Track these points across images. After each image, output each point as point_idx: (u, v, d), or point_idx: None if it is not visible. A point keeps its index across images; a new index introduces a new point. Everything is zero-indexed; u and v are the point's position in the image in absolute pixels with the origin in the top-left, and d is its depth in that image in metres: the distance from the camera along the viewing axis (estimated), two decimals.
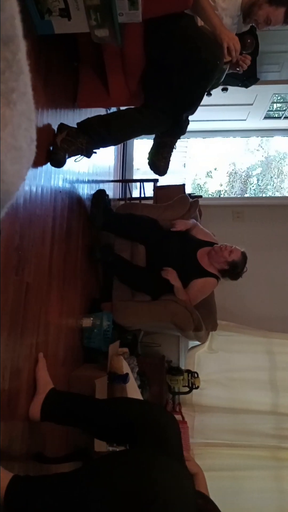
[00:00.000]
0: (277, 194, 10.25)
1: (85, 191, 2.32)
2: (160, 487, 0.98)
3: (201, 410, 3.05)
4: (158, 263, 2.43)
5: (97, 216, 2.32)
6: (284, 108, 4.41)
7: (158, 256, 2.46)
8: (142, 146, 4.79)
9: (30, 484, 1.08)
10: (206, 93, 1.80)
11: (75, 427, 1.49)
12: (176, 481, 1.03)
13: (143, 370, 2.55)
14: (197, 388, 2.91)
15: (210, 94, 2.45)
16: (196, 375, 2.94)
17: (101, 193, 2.43)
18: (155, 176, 2.21)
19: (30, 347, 1.42)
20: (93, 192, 2.48)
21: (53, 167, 1.65)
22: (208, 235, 2.64)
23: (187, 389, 2.91)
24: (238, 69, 1.86)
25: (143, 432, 1.23)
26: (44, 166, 1.59)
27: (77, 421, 1.41)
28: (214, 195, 10.15)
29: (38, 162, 1.52)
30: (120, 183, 3.93)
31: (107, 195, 2.52)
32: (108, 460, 1.16)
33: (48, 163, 1.62)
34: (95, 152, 1.83)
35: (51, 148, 1.63)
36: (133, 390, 1.99)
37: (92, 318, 2.13)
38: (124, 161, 4.35)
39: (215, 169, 10.58)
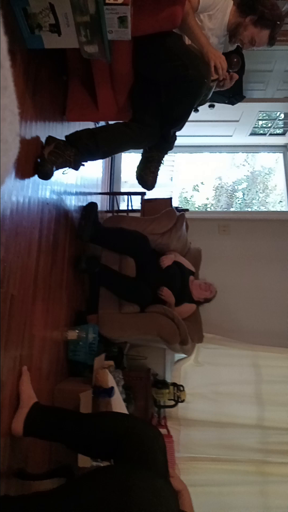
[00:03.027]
0: (262, 209, 10.41)
1: (73, 202, 2.33)
2: (141, 506, 0.96)
3: (186, 424, 3.03)
4: (150, 276, 2.48)
5: (86, 229, 2.33)
6: (269, 125, 4.52)
7: (150, 270, 2.51)
8: (130, 159, 4.83)
9: (9, 504, 1.05)
10: (193, 109, 1.84)
11: (59, 442, 1.46)
12: (158, 499, 1.01)
13: (129, 384, 2.53)
14: (182, 401, 2.90)
15: (197, 110, 2.50)
16: (182, 389, 2.93)
17: (92, 206, 2.45)
18: (143, 189, 2.23)
19: (14, 360, 1.39)
20: (80, 204, 2.49)
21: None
22: (189, 263, 2.83)
23: (172, 403, 2.90)
24: (221, 84, 1.90)
25: (128, 448, 1.22)
26: (31, 178, 1.59)
27: (61, 436, 1.39)
28: (201, 209, 10.27)
29: (25, 174, 1.52)
30: (108, 196, 3.95)
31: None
32: (89, 478, 1.14)
33: (36, 175, 1.62)
34: (83, 165, 1.84)
35: (39, 160, 1.63)
36: (118, 404, 1.97)
37: (77, 331, 2.11)
38: (112, 174, 4.38)
39: (202, 183, 10.72)
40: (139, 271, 2.54)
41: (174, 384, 2.95)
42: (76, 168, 1.78)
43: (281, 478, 2.92)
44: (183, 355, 3.09)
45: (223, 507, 2.79)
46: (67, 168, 1.76)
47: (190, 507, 1.31)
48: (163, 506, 1.01)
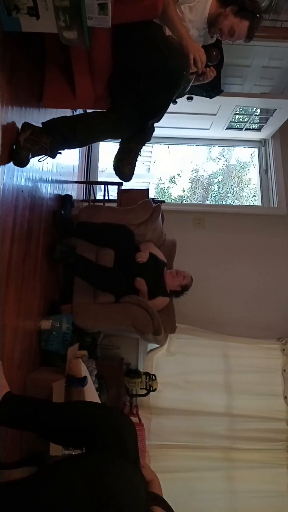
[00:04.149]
0: (236, 202, 10.58)
1: (48, 190, 2.29)
2: (113, 491, 0.98)
3: (157, 412, 3.08)
4: (127, 268, 2.51)
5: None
6: (245, 120, 4.57)
7: (128, 263, 2.55)
8: (107, 148, 4.78)
9: None
10: (171, 101, 1.84)
11: (31, 432, 1.46)
12: (129, 485, 1.04)
13: (102, 373, 2.55)
14: (154, 390, 2.95)
15: (176, 102, 2.50)
16: (154, 378, 2.97)
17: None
18: (120, 180, 2.22)
19: None
20: (56, 192, 2.46)
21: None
22: (162, 255, 2.83)
23: (144, 392, 2.94)
24: (201, 78, 1.91)
25: (100, 436, 1.24)
26: (6, 165, 1.55)
27: (33, 425, 1.39)
28: (177, 201, 10.32)
29: (0, 160, 1.49)
30: (84, 185, 3.90)
31: (70, 204, 2.62)
32: (63, 465, 1.16)
33: (11, 162, 1.58)
34: (60, 153, 1.81)
35: (14, 147, 1.60)
36: (91, 393, 1.99)
37: (51, 321, 2.10)
38: (89, 162, 4.33)
39: (179, 175, 10.76)
40: (117, 263, 2.55)
41: (147, 373, 2.99)
42: (52, 156, 1.76)
43: (246, 464, 3.04)
44: (156, 345, 3.13)
45: (191, 492, 2.88)
46: (43, 155, 1.73)
47: (160, 494, 1.35)
48: (133, 491, 1.03)
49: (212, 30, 1.90)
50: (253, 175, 9.99)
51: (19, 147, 1.60)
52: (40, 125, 1.73)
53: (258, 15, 1.84)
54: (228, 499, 2.94)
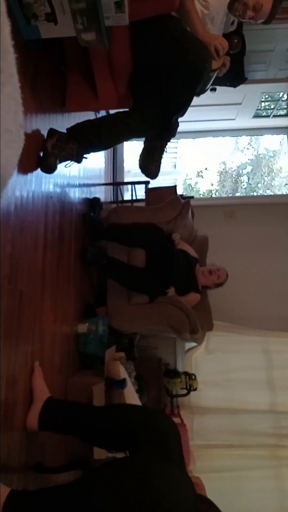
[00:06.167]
0: (268, 192, 10.30)
1: (76, 195, 2.31)
2: (161, 494, 0.97)
3: (199, 412, 3.04)
4: (161, 267, 2.49)
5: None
6: (272, 107, 4.44)
7: (160, 261, 2.51)
8: (132, 148, 4.78)
9: (28, 499, 1.06)
10: (194, 95, 1.80)
11: (74, 436, 1.47)
12: (177, 487, 1.02)
13: (141, 374, 2.54)
14: (195, 390, 2.91)
15: (199, 95, 2.45)
16: (193, 377, 2.94)
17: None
18: (147, 178, 2.20)
19: (26, 356, 1.40)
20: (84, 195, 2.47)
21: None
22: (193, 251, 2.79)
23: (185, 392, 2.91)
24: (217, 70, 1.86)
25: (143, 439, 1.22)
26: (34, 172, 1.57)
27: (76, 430, 1.40)
28: (206, 195, 10.19)
29: (28, 168, 1.51)
30: (112, 186, 3.91)
31: (99, 207, 2.62)
32: (108, 468, 1.15)
33: (39, 169, 1.60)
34: (86, 157, 1.81)
35: (42, 154, 1.61)
36: (131, 395, 1.98)
37: (87, 324, 2.11)
38: (115, 164, 4.34)
39: (206, 169, 10.62)
40: (149, 262, 2.53)
41: (186, 373, 2.96)
42: (78, 161, 1.76)
43: None
44: (194, 344, 3.09)
45: (238, 492, 2.82)
46: (70, 161, 1.74)
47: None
48: (180, 492, 1.01)
49: (236, 5, 1.83)
50: (283, 163, 9.71)
51: (47, 154, 1.61)
52: (65, 130, 1.74)
53: None
54: (277, 498, 2.86)
